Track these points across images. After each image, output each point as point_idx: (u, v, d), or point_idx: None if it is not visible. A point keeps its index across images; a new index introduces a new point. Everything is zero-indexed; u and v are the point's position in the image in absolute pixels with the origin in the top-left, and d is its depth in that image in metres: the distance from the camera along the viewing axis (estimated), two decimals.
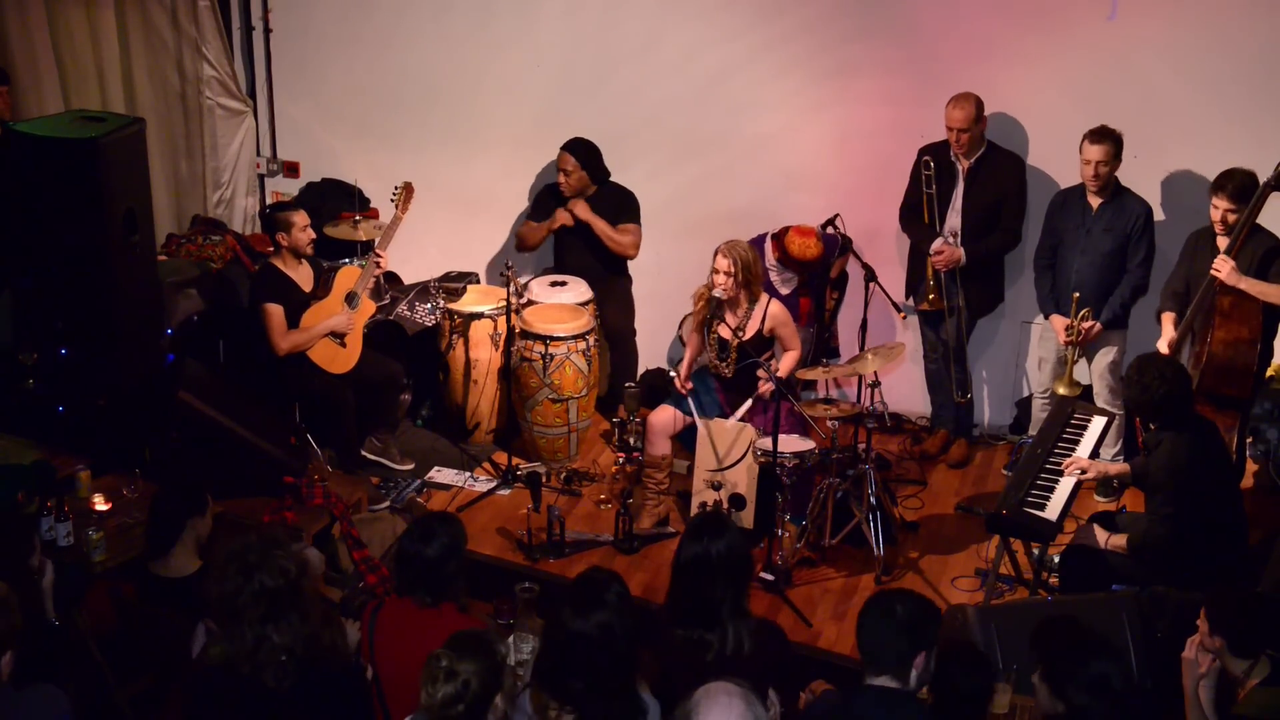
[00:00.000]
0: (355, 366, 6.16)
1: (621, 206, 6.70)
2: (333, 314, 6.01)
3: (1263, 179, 5.25)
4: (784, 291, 6.26)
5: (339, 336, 6.05)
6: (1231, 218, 5.29)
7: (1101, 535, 4.89)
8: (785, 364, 5.77)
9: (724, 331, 5.69)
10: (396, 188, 6.35)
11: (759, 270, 5.63)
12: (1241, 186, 5.28)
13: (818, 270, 6.28)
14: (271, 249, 6.12)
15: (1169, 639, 4.28)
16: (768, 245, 6.26)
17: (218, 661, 3.39)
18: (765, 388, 5.64)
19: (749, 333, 5.66)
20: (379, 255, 6.21)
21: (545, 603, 4.44)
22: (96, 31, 6.96)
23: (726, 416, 5.72)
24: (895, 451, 6.58)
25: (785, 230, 6.22)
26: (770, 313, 5.67)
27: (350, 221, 6.88)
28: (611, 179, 6.68)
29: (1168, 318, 5.58)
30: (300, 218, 5.96)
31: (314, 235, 6.04)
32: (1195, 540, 4.63)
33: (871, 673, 3.34)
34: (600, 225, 6.51)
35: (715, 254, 5.58)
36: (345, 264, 6.56)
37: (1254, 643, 3.71)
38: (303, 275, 6.05)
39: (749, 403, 5.70)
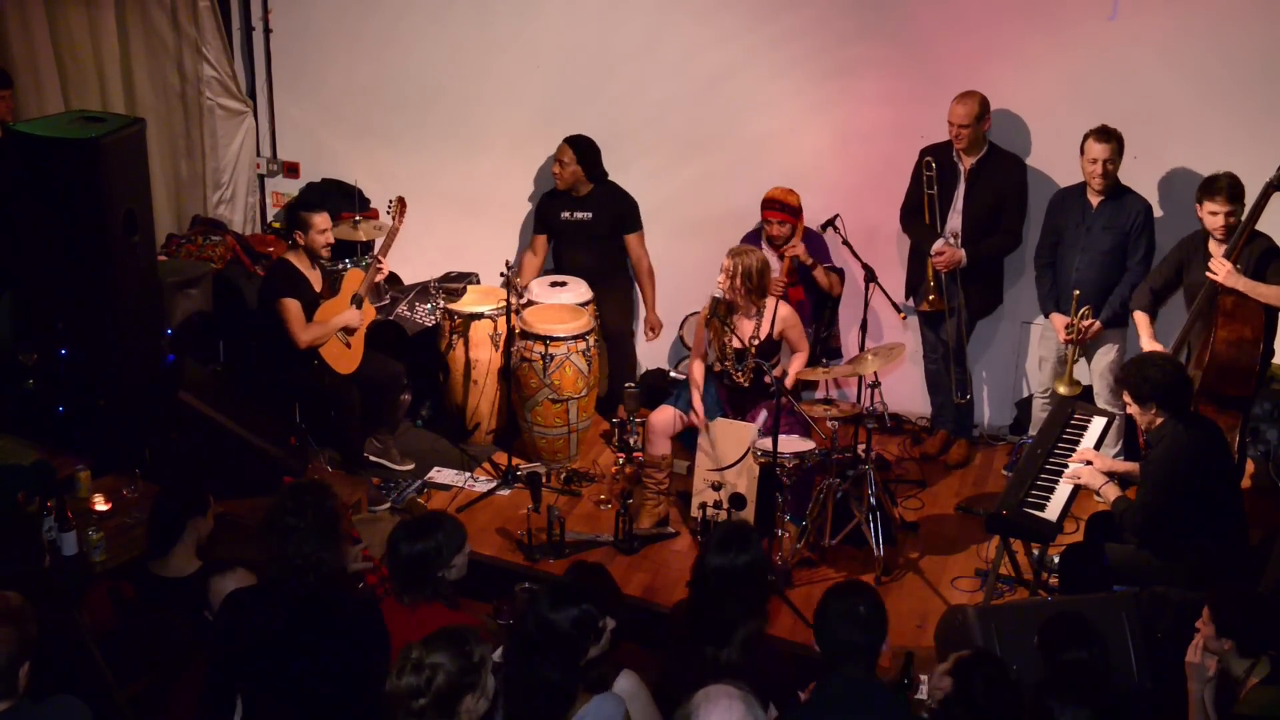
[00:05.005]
0: (357, 367, 6.16)
1: (625, 216, 6.70)
2: (345, 311, 6.04)
3: (1264, 180, 5.25)
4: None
5: (347, 335, 6.07)
6: (1231, 220, 5.29)
7: (1099, 479, 4.89)
8: (794, 366, 5.77)
9: (738, 341, 5.68)
10: (391, 202, 6.40)
11: (764, 281, 5.61)
12: (1232, 183, 5.28)
13: (794, 216, 6.25)
14: (271, 249, 6.13)
15: (1169, 639, 4.28)
16: (764, 242, 6.30)
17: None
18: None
19: (761, 338, 5.67)
20: (380, 262, 6.24)
21: None
22: (96, 31, 6.96)
23: (728, 416, 5.72)
24: (895, 452, 6.58)
25: None
26: (780, 315, 5.68)
27: (350, 222, 6.89)
28: (609, 179, 6.70)
29: (1142, 319, 5.58)
30: (322, 220, 5.97)
31: (332, 240, 6.05)
32: (1192, 539, 4.63)
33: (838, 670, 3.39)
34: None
35: (727, 255, 5.62)
36: (350, 266, 6.57)
37: (1258, 643, 3.72)
38: (314, 276, 6.06)
39: (764, 413, 5.69)
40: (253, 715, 3.49)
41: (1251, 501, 5.50)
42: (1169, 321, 5.85)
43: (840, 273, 6.47)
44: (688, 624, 3.78)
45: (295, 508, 3.54)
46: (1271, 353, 5.45)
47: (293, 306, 5.89)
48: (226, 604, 3.67)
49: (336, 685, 3.44)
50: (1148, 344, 5.48)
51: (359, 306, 6.12)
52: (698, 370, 5.83)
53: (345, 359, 6.11)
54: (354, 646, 3.49)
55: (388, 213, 6.41)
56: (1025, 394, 6.63)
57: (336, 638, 3.48)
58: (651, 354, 7.15)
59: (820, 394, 6.63)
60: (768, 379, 5.55)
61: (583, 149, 6.60)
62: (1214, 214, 5.31)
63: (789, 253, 5.84)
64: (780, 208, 6.18)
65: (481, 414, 6.61)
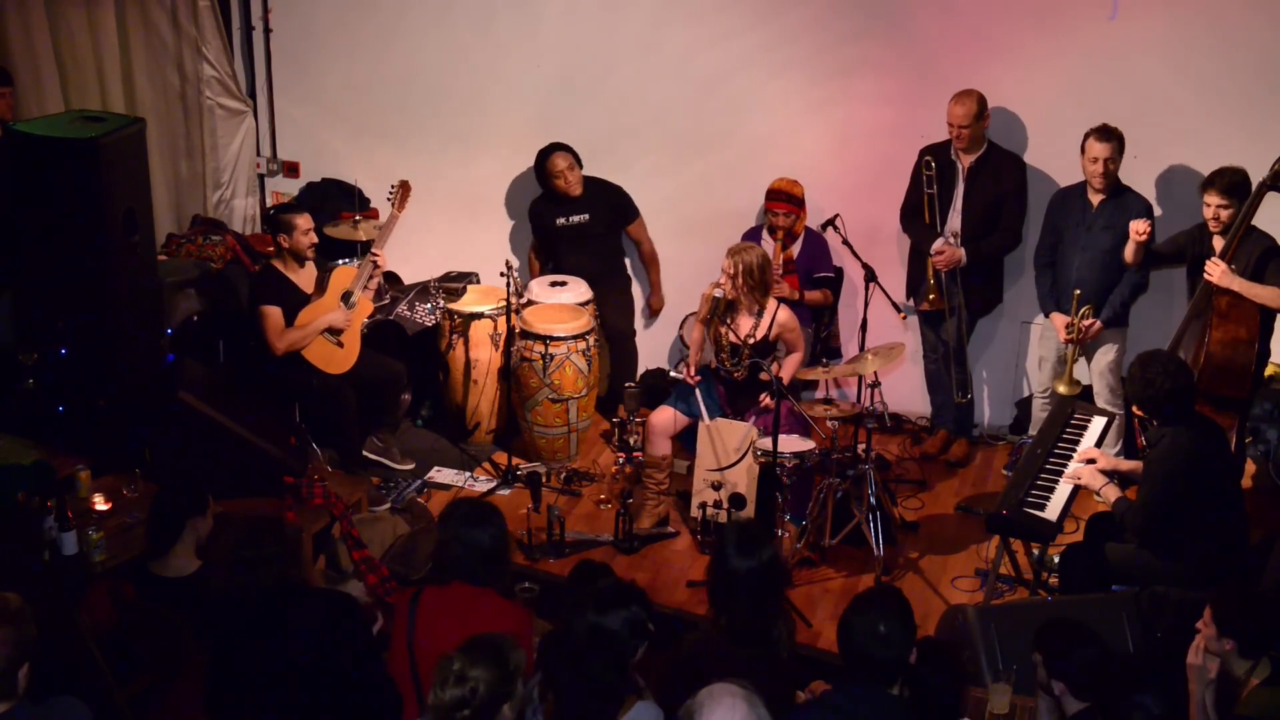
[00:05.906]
0: (355, 366, 6.16)
1: (621, 208, 6.72)
2: (328, 311, 6.01)
3: (1259, 179, 5.25)
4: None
5: (335, 336, 6.05)
6: (1224, 214, 5.30)
7: (1099, 480, 4.90)
8: (788, 366, 5.78)
9: (735, 337, 5.70)
10: (393, 186, 6.37)
11: (765, 277, 5.63)
12: (1231, 183, 5.29)
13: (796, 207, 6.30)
14: (272, 249, 6.12)
15: (1169, 639, 4.28)
16: (764, 236, 6.33)
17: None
18: (766, 401, 5.65)
19: (758, 337, 5.68)
20: (376, 255, 6.21)
21: (545, 603, 4.45)
22: (96, 31, 6.95)
23: (728, 417, 5.73)
24: (895, 452, 6.58)
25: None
26: (778, 319, 5.69)
27: (350, 221, 6.88)
28: (590, 175, 6.73)
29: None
30: (304, 221, 5.96)
31: (315, 239, 6.05)
32: (1192, 539, 4.62)
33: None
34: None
35: (726, 254, 5.63)
36: (340, 264, 6.56)
37: (1260, 644, 3.71)
38: (304, 277, 6.05)
39: (753, 419, 5.70)
40: (248, 706, 3.52)
41: (1251, 501, 5.51)
42: (1167, 321, 5.85)
43: (836, 273, 6.47)
44: (728, 636, 3.75)
45: (249, 541, 3.64)
46: (1268, 353, 5.45)
47: (272, 315, 5.89)
48: (217, 600, 3.71)
49: (320, 678, 3.53)
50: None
51: (350, 304, 6.10)
52: (696, 331, 5.89)
53: (336, 359, 6.09)
54: (334, 640, 3.57)
55: (388, 199, 6.37)
56: (1025, 394, 6.63)
57: (316, 633, 3.58)
58: (651, 354, 7.15)
59: (820, 394, 6.63)
60: (765, 375, 5.56)
61: (575, 152, 6.63)
62: (1207, 206, 5.36)
63: (777, 295, 5.85)
64: (785, 198, 6.23)
65: (481, 414, 6.61)
